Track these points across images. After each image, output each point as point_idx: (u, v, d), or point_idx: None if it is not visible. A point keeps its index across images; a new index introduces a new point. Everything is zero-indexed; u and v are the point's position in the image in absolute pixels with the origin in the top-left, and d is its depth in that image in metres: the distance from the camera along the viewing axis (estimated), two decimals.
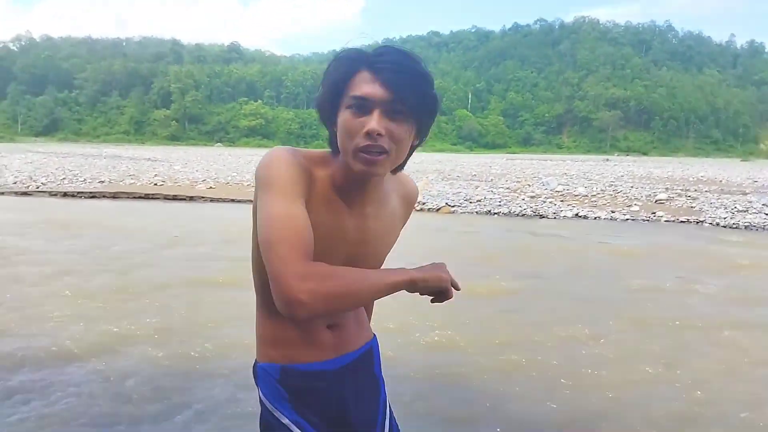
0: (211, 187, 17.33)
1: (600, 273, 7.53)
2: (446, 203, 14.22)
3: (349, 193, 1.21)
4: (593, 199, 15.77)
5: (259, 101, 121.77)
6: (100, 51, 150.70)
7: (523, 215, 13.33)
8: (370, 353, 1.41)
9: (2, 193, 15.38)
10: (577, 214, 13.49)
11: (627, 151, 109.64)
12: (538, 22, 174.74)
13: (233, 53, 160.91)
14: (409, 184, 1.41)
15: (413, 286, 1.14)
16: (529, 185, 19.57)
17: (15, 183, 17.26)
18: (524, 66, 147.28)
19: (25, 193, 15.41)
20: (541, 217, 13.24)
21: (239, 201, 14.87)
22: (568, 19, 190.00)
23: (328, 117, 1.18)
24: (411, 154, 1.23)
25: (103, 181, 18.11)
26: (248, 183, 18.88)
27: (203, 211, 13.26)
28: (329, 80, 1.18)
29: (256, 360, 1.33)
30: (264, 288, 1.19)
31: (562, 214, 13.47)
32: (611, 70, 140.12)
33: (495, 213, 13.52)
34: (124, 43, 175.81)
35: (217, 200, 14.92)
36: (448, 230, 11.03)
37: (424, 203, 14.54)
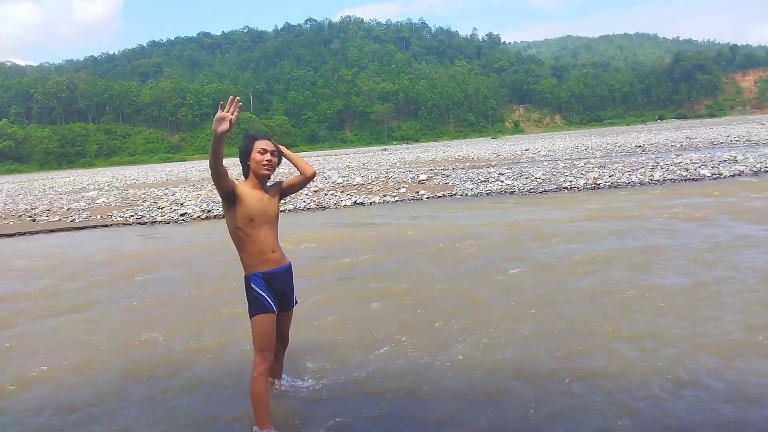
0: None
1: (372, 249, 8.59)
2: None
3: (260, 187, 3.20)
4: (369, 187, 17.35)
5: (5, 119, 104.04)
6: None
7: (308, 209, 14.15)
8: (290, 266, 3.35)
9: None
10: (355, 202, 14.78)
11: (401, 140, 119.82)
12: (309, 22, 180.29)
13: None
14: (277, 183, 3.41)
15: (215, 135, 2.87)
16: (312, 181, 20.57)
17: None
18: (301, 65, 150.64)
19: None
20: (323, 208, 14.21)
21: None
22: (336, 18, 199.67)
23: (245, 159, 3.22)
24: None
25: None
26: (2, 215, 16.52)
27: None
28: (245, 146, 3.23)
29: (246, 274, 3.17)
30: (240, 245, 3.15)
31: (342, 203, 14.64)
32: (379, 65, 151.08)
33: (281, 211, 14.07)
34: None
35: None
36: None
37: (209, 211, 14.48)
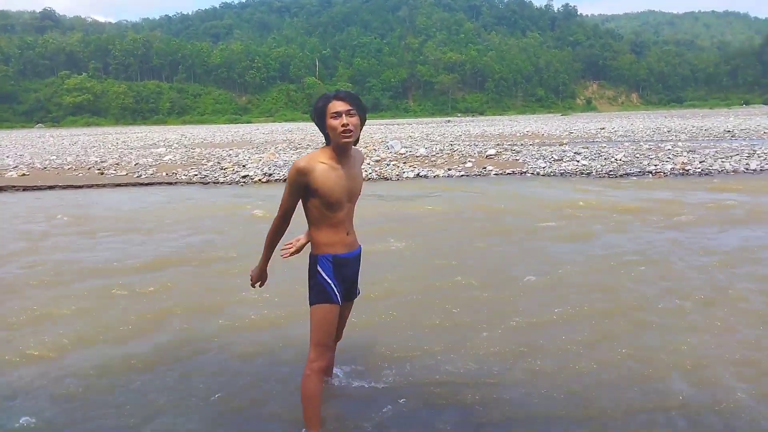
0: (24, 174, 15.26)
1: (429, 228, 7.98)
2: None
3: (341, 160, 2.59)
4: (433, 159, 16.62)
5: (84, 74, 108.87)
6: None
7: (369, 179, 13.64)
8: (360, 252, 2.84)
9: None
10: (418, 174, 14.13)
11: (466, 112, 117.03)
12: None
13: (47, 20, 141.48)
14: (359, 152, 2.78)
15: (258, 267, 2.80)
16: (375, 150, 20.04)
17: None
18: (367, 32, 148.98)
19: None
20: (386, 179, 13.66)
21: (57, 187, 13.34)
22: None
23: (321, 126, 2.59)
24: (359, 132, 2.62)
25: None
26: (70, 167, 16.97)
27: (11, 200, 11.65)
28: (319, 107, 2.57)
29: (313, 253, 2.69)
30: (313, 221, 2.66)
31: (405, 176, 14.03)
32: (447, 35, 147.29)
33: None
34: None
35: (32, 188, 13.19)
36: None
37: (270, 174, 14.24)
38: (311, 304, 2.67)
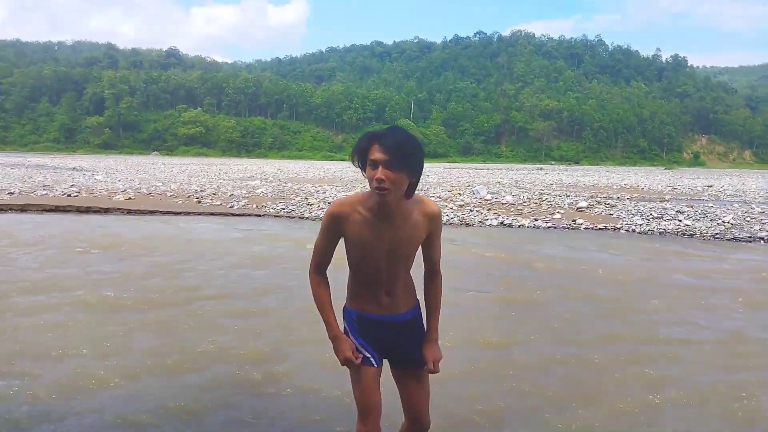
0: (130, 198, 16.51)
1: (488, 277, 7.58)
2: None
3: (381, 214, 2.12)
4: (519, 207, 16.08)
5: (199, 108, 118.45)
6: (30, 55, 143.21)
7: (450, 224, 13.39)
8: (414, 314, 2.36)
9: None
10: (502, 223, 13.68)
11: (560, 160, 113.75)
12: (478, 35, 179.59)
13: (172, 58, 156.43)
14: (429, 205, 2.23)
15: (331, 339, 2.27)
16: (460, 194, 19.79)
17: None
18: (464, 77, 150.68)
19: None
20: (467, 225, 13.34)
21: (157, 212, 14.23)
22: (506, 32, 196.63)
23: (363, 170, 2.09)
24: (414, 186, 2.11)
25: (12, 193, 16.93)
26: (172, 193, 18.16)
27: (115, 224, 12.55)
28: (360, 147, 2.08)
29: (345, 303, 2.33)
30: (350, 262, 2.25)
31: (488, 223, 13.63)
32: (545, 82, 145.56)
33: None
34: (55, 47, 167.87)
35: (134, 212, 14.19)
36: None
37: None
38: None
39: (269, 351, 4.46)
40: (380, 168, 2.00)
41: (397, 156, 2.00)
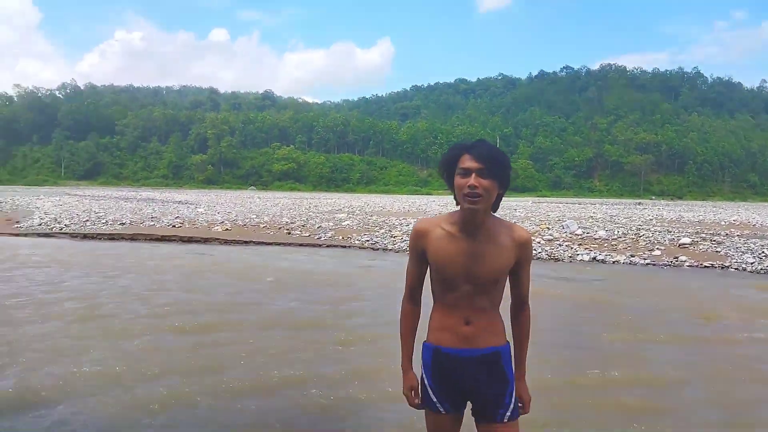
0: (227, 229, 17.47)
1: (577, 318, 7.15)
2: None
3: (466, 227, 2.06)
4: (613, 243, 15.26)
5: (291, 146, 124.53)
6: (141, 99, 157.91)
7: (538, 258, 12.94)
8: (497, 354, 2.13)
9: (26, 234, 15.82)
10: (594, 258, 13.03)
11: (661, 195, 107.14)
12: (564, 70, 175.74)
13: (267, 100, 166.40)
14: (519, 231, 2.13)
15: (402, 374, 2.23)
16: (548, 228, 19.13)
17: (40, 225, 17.76)
18: (551, 111, 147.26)
19: (47, 235, 15.80)
20: (556, 260, 12.83)
21: (252, 243, 14.92)
22: (594, 66, 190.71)
23: (449, 183, 2.07)
24: (500, 197, 2.09)
25: (123, 223, 18.48)
26: (265, 225, 19.02)
27: (212, 253, 13.30)
28: (447, 158, 2.07)
29: (425, 339, 2.21)
30: (432, 292, 2.17)
31: (579, 258, 13.04)
32: (640, 115, 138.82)
33: None
34: (164, 92, 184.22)
35: (231, 242, 14.99)
36: None
37: None
38: None
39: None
40: (473, 175, 1.98)
41: (489, 164, 1.99)
